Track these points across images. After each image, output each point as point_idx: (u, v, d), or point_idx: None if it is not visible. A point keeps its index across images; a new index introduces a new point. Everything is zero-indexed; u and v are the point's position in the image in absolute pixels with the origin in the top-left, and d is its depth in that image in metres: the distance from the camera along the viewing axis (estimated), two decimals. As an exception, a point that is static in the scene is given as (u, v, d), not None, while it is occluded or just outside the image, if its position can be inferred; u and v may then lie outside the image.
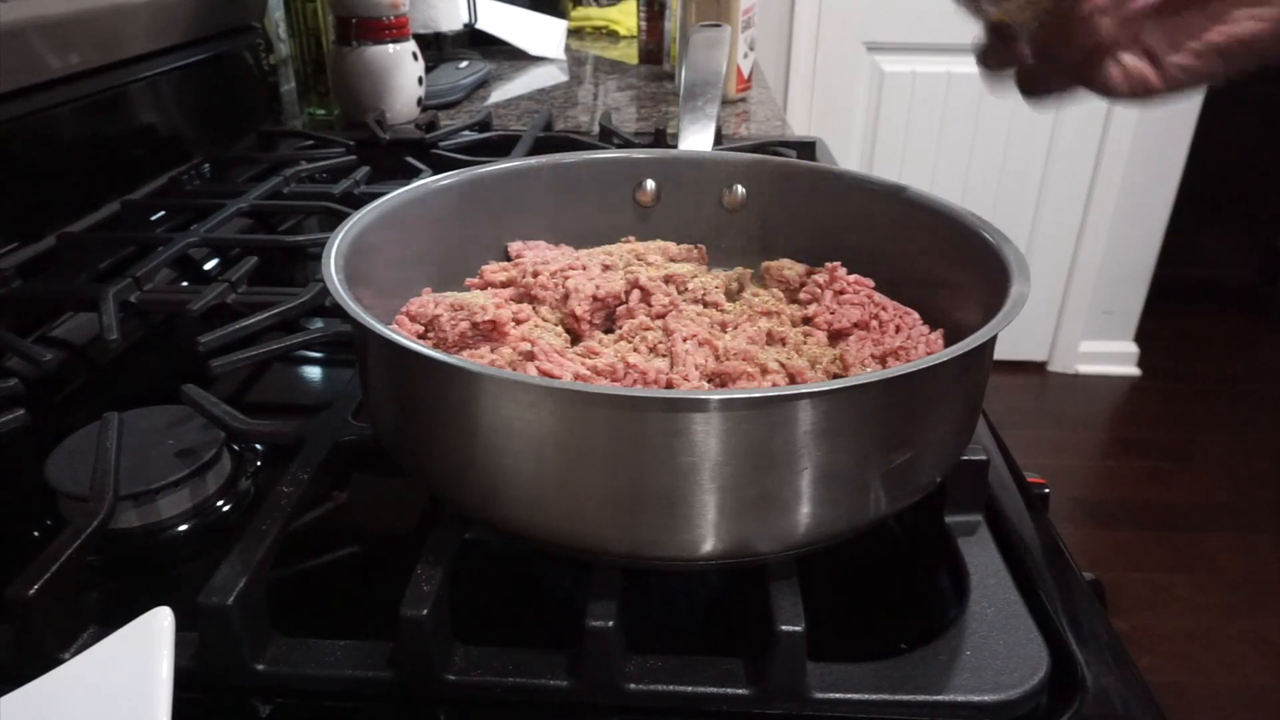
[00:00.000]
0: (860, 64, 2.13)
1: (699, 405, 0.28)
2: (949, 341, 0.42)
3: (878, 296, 0.46)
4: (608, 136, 0.93)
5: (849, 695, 0.31)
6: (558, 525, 0.32)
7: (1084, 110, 2.13)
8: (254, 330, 0.51)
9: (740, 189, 0.54)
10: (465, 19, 1.39)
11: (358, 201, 0.70)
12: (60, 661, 0.31)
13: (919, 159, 2.20)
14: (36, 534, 0.41)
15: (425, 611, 0.31)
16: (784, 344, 0.43)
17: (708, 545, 0.31)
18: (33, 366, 0.49)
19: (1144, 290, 2.35)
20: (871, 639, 0.36)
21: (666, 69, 1.35)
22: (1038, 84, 0.38)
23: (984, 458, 0.40)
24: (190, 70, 0.87)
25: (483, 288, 0.48)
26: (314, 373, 0.57)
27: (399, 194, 0.46)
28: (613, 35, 1.74)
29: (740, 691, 0.32)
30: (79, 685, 0.28)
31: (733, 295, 0.48)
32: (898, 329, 0.44)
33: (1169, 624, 1.61)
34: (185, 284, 0.65)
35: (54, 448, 0.42)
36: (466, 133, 0.96)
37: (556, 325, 0.44)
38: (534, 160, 0.53)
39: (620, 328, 0.44)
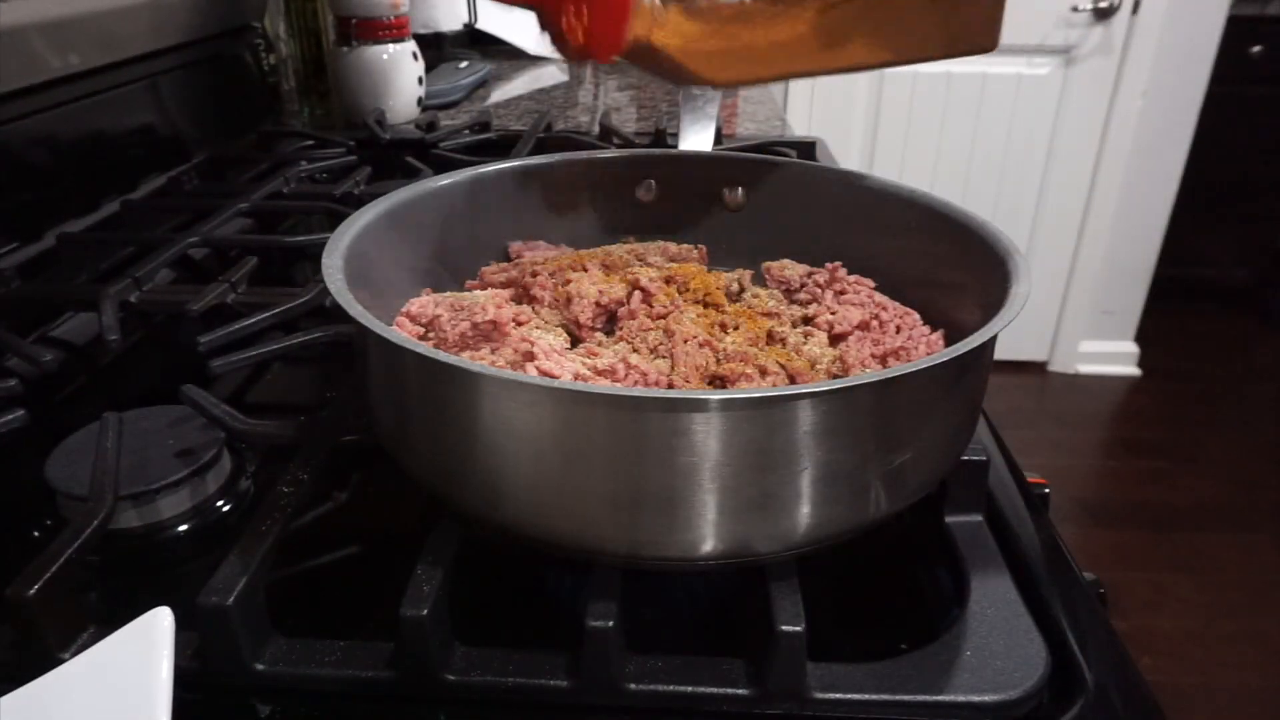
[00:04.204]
0: (860, 64, 2.13)
1: (699, 405, 0.28)
2: (949, 341, 0.42)
3: (878, 296, 0.46)
4: (608, 136, 0.93)
5: (849, 695, 0.31)
6: (558, 526, 0.32)
7: (1084, 110, 2.13)
8: (254, 330, 0.51)
9: (740, 189, 0.54)
10: (465, 19, 1.39)
11: (358, 202, 0.70)
12: (60, 661, 0.31)
13: (919, 159, 2.20)
14: (36, 534, 0.41)
15: (425, 611, 0.31)
16: (784, 344, 0.43)
17: (708, 545, 0.31)
18: (33, 366, 0.49)
19: (1144, 290, 2.35)
20: (871, 639, 0.36)
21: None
22: None
23: (984, 458, 0.40)
24: (190, 70, 0.87)
25: (483, 289, 0.48)
26: (314, 373, 0.57)
27: (399, 194, 0.46)
28: (613, 35, 1.73)
29: (740, 691, 0.32)
30: (79, 685, 0.28)
31: (733, 295, 0.48)
32: (898, 329, 0.44)
33: (1169, 624, 1.61)
34: (185, 284, 0.65)
35: (54, 448, 0.42)
36: (466, 133, 0.96)
37: (557, 326, 0.44)
38: (534, 160, 0.53)
39: (621, 329, 0.44)
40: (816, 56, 0.43)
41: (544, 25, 0.41)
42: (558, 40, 0.40)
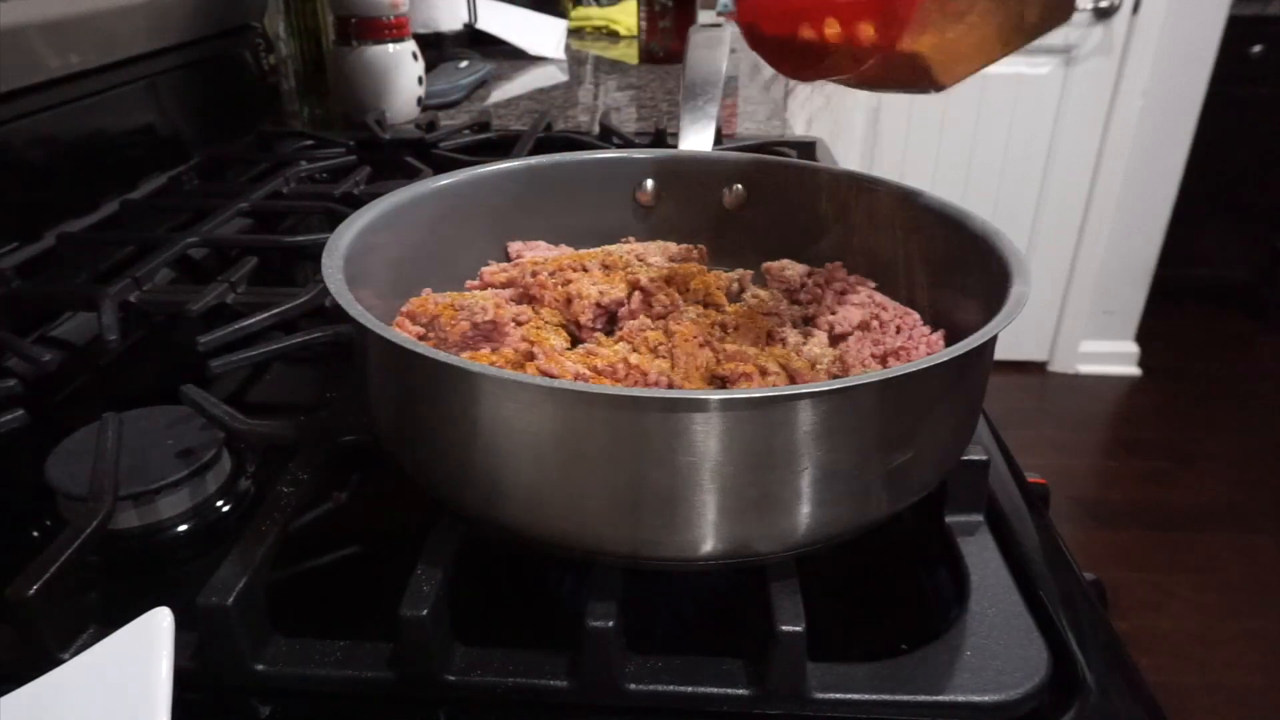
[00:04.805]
0: (860, 64, 2.13)
1: (699, 405, 0.28)
2: (949, 342, 0.42)
3: (878, 296, 0.46)
4: (608, 136, 0.93)
5: (849, 695, 0.31)
6: (558, 525, 0.32)
7: (1084, 110, 2.13)
8: (254, 330, 0.51)
9: (740, 189, 0.54)
10: (465, 19, 1.39)
11: (358, 201, 0.70)
12: (60, 661, 0.31)
13: (919, 159, 2.20)
14: (36, 534, 0.41)
15: (425, 611, 0.31)
16: (784, 344, 0.43)
17: (708, 545, 0.31)
18: (33, 366, 0.49)
19: (1144, 290, 2.35)
20: (871, 639, 0.36)
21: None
22: None
23: (984, 458, 0.40)
24: (190, 70, 0.87)
25: (483, 289, 0.48)
26: (314, 373, 0.57)
27: (399, 194, 0.46)
28: (613, 35, 1.73)
29: (740, 692, 0.32)
30: (79, 685, 0.28)
31: (733, 295, 0.48)
32: (898, 329, 0.44)
33: (1169, 624, 1.61)
34: (185, 284, 0.65)
35: (54, 448, 0.42)
36: (466, 133, 0.96)
37: (557, 326, 0.44)
38: (534, 160, 0.53)
39: (621, 329, 0.44)
40: (1010, 39, 0.41)
41: (785, 47, 0.41)
42: (810, 55, 0.41)
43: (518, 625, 0.37)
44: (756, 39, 0.43)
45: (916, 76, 0.39)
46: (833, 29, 0.39)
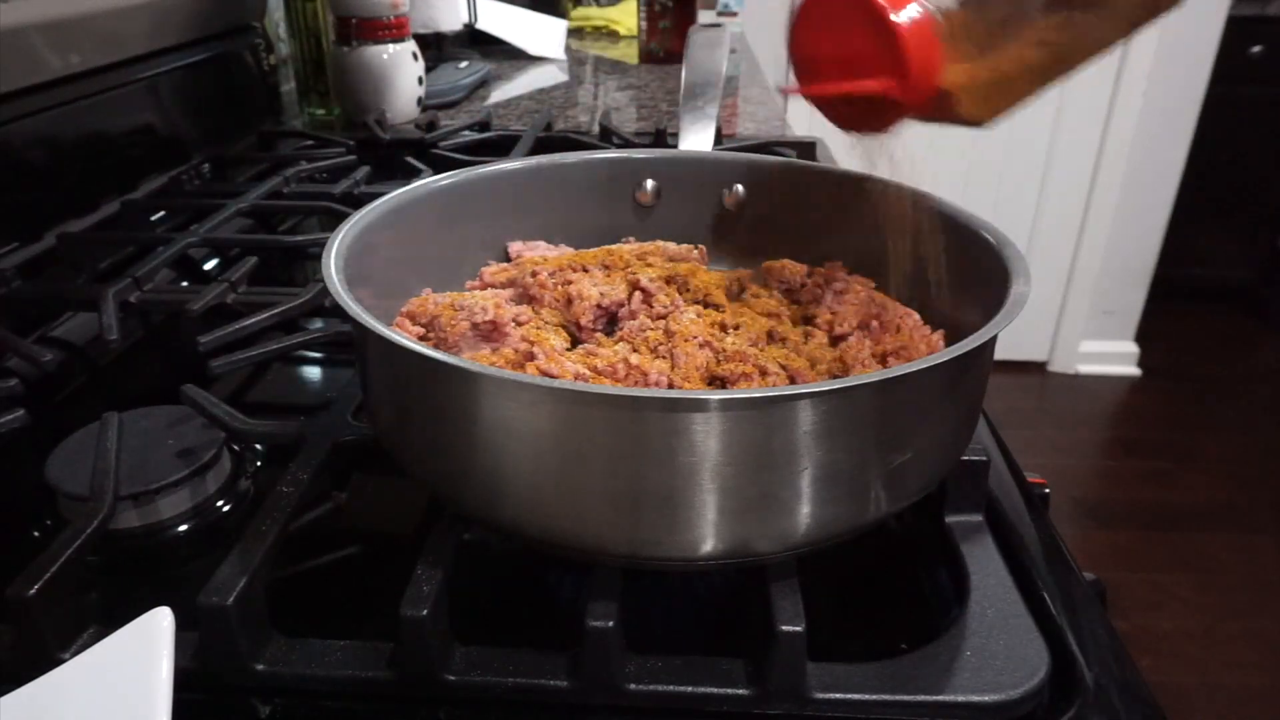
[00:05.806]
0: (860, 64, 2.13)
1: (699, 405, 0.28)
2: (949, 341, 0.42)
3: (878, 296, 0.46)
4: (608, 136, 0.93)
5: (849, 695, 0.31)
6: (558, 525, 0.32)
7: (1084, 110, 2.13)
8: (254, 330, 0.51)
9: (740, 189, 0.54)
10: (465, 19, 1.39)
11: (358, 201, 0.70)
12: (60, 661, 0.31)
13: (919, 159, 2.19)
14: (36, 534, 0.41)
15: (425, 611, 0.31)
16: (784, 344, 0.43)
17: (708, 545, 0.31)
18: (33, 366, 0.49)
19: (1144, 290, 2.35)
20: (871, 639, 0.36)
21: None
22: None
23: (984, 458, 0.40)
24: (190, 70, 0.87)
25: (483, 289, 0.48)
26: (314, 373, 0.57)
27: (399, 194, 0.46)
28: (613, 35, 1.73)
29: (740, 691, 0.32)
30: (79, 685, 0.28)
31: (733, 295, 0.48)
32: (898, 329, 0.44)
33: (1169, 624, 1.61)
34: (185, 284, 0.65)
35: (54, 448, 0.42)
36: (466, 133, 0.96)
37: (557, 326, 0.44)
38: (534, 160, 0.53)
39: (621, 329, 0.44)
40: (1060, 65, 0.41)
41: (839, 104, 0.45)
42: (859, 112, 0.45)
43: (518, 625, 0.37)
44: (817, 103, 0.46)
45: (954, 115, 0.42)
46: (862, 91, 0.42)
